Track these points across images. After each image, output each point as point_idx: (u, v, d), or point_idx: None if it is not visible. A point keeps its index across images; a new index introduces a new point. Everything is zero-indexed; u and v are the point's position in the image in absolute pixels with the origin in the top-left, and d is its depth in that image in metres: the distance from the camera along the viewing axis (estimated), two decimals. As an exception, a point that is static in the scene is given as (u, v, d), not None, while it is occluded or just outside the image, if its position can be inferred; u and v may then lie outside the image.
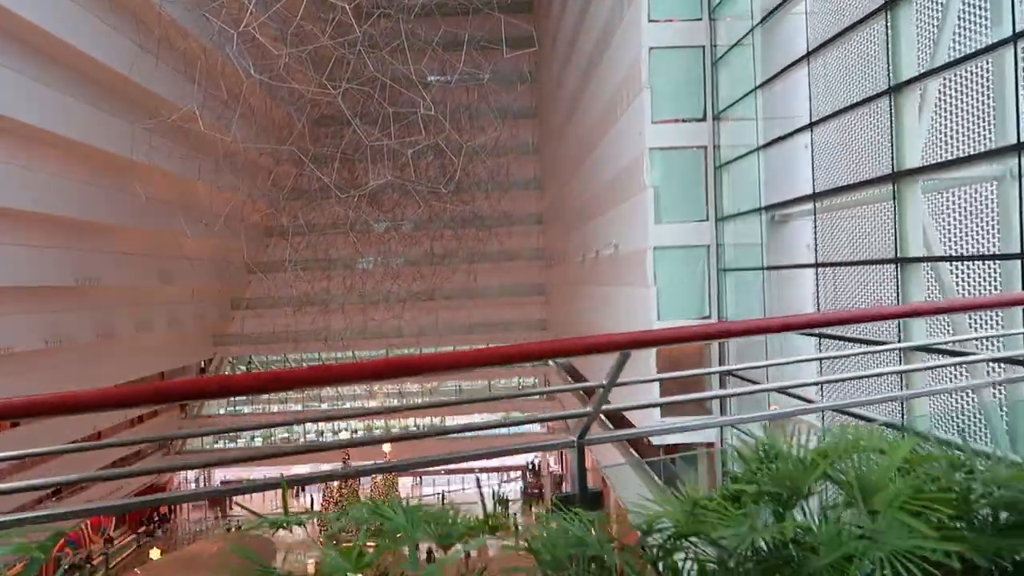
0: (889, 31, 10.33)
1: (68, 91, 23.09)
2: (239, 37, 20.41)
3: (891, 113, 10.30)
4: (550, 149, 37.63)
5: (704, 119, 17.59)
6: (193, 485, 47.70)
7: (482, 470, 49.07)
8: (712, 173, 17.37)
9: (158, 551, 31.90)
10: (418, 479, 49.20)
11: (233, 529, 40.94)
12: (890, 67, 10.32)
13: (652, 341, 2.49)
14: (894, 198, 10.28)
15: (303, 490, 48.51)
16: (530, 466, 48.35)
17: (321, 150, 27.44)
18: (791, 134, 13.74)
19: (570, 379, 36.39)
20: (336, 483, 38.47)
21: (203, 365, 46.25)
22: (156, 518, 42.25)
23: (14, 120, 20.98)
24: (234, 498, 46.48)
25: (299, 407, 46.98)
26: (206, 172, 26.76)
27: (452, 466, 48.65)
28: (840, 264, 12.05)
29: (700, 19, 17.70)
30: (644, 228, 17.71)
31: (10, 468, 28.67)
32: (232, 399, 48.03)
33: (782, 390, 13.26)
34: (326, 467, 40.58)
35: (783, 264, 15.17)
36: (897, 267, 10.26)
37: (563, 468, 48.34)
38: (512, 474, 49.02)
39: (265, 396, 47.27)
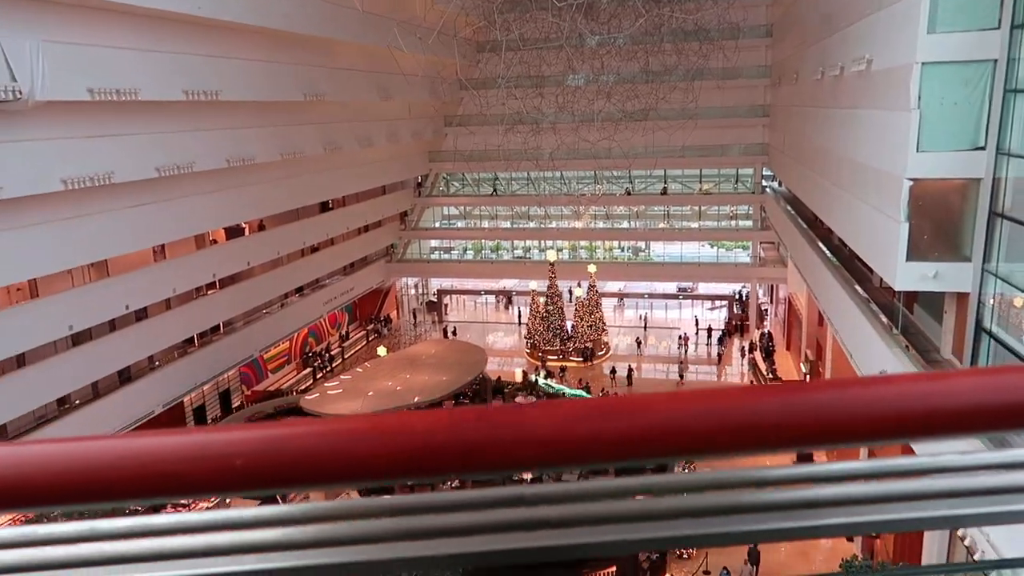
0: None
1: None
2: None
3: None
4: (791, -55, 32.68)
5: None
6: (413, 290, 51.69)
7: (687, 296, 48.54)
8: (1015, -34, 13.89)
9: (384, 348, 35.26)
10: (620, 301, 49.74)
11: (450, 334, 44.31)
12: None
13: None
14: None
15: (511, 302, 51.06)
16: (737, 296, 46.96)
17: (536, -46, 25.64)
18: None
19: (790, 208, 33.77)
20: (543, 299, 39.76)
21: (419, 180, 48.36)
22: (382, 318, 46.65)
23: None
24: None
25: (508, 224, 48.27)
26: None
27: (656, 290, 48.59)
28: None
29: None
30: (911, 38, 14.83)
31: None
32: (445, 214, 50.22)
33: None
34: (533, 284, 42.00)
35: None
36: None
37: (772, 302, 46.52)
38: (718, 303, 48.01)
39: (476, 212, 48.92)
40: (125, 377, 26.09)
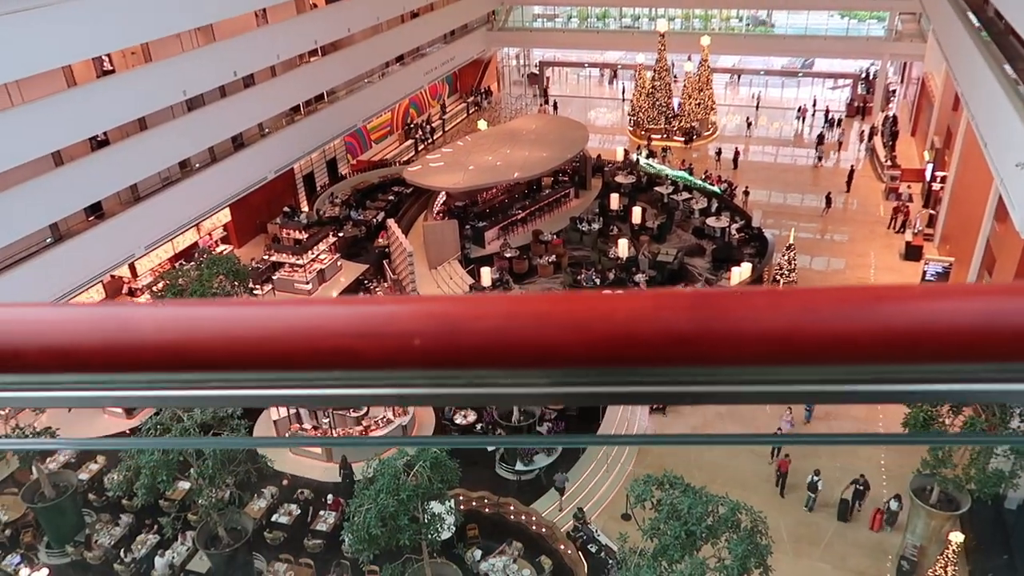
0: None
1: None
2: None
3: None
4: None
5: None
6: (514, 61, 49.96)
7: (807, 74, 45.05)
8: None
9: (484, 122, 34.92)
10: (735, 78, 46.71)
11: (551, 109, 43.22)
12: None
13: None
14: None
15: (615, 76, 48.87)
16: (863, 75, 43.12)
17: None
18: None
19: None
20: (649, 74, 37.76)
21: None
22: (483, 91, 45.73)
23: None
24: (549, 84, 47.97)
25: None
26: None
27: (772, 67, 45.27)
28: None
29: None
30: None
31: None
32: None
33: None
34: (640, 57, 39.74)
35: None
36: None
37: (902, 82, 42.61)
38: (841, 81, 44.40)
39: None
40: (239, 143, 27.13)
